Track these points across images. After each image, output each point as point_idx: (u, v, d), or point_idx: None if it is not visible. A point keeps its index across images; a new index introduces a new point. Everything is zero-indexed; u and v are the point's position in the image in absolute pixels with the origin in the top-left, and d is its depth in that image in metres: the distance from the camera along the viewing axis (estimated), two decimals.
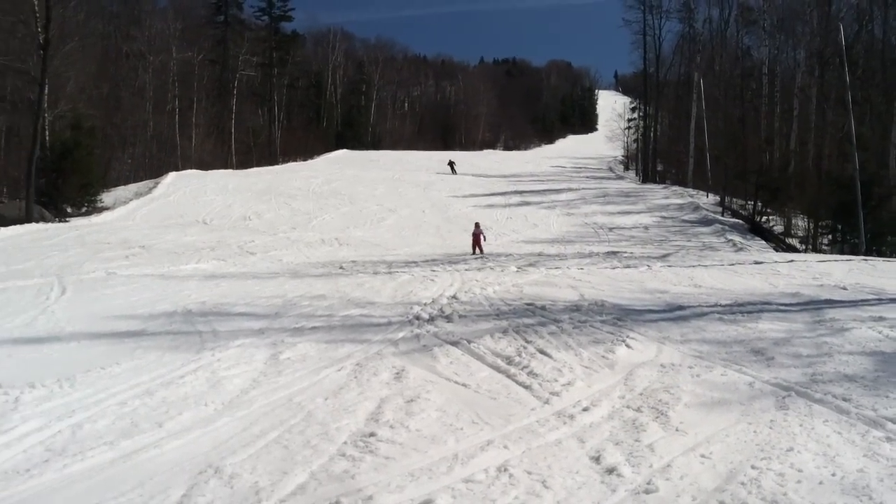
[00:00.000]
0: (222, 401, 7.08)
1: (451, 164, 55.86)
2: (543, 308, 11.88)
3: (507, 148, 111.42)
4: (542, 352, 8.86)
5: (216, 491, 4.98)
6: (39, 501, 4.90)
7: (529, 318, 11.12)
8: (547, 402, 7.01)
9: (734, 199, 39.59)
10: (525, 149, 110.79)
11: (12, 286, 14.53)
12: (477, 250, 22.78)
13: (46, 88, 34.72)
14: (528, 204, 37.88)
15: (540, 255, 21.94)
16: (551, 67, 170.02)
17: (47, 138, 37.36)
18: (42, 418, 6.45)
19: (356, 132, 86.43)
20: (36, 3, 36.05)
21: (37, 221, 29.80)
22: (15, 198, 36.08)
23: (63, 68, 39.88)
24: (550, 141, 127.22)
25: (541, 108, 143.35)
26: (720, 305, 11.92)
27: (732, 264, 18.48)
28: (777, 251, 27.88)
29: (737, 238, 29.77)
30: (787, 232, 36.61)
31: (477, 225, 24.18)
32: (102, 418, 6.49)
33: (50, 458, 5.61)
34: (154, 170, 48.40)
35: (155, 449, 5.83)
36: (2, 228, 26.77)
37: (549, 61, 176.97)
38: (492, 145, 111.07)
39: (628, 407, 6.87)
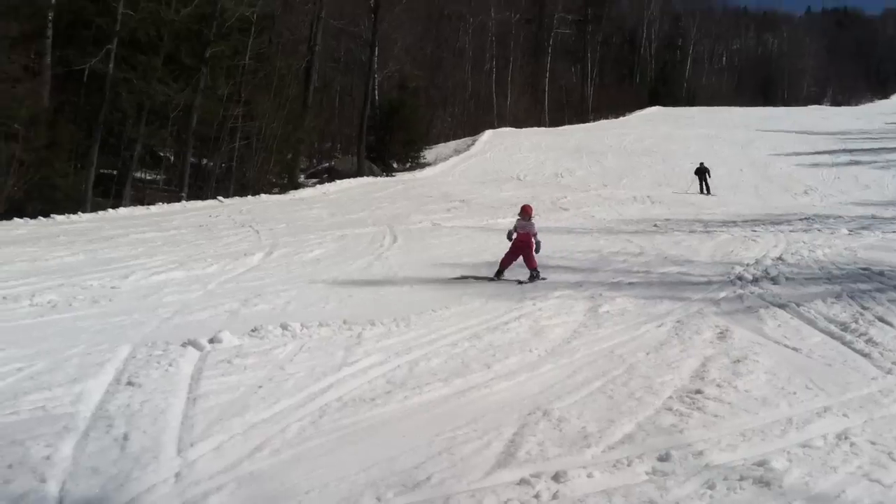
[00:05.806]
0: (545, 348, 7.28)
1: (701, 172, 29.55)
2: (881, 273, 11.06)
3: (835, 103, 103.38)
4: (881, 319, 8.27)
5: (546, 432, 5.11)
6: (385, 428, 5.28)
7: (865, 283, 10.40)
8: (889, 371, 6.53)
9: None
10: (855, 104, 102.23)
11: (350, 234, 15.85)
12: (506, 269, 11.39)
13: (377, 50, 37.24)
14: (858, 163, 34.87)
15: (873, 217, 20.33)
16: (888, 16, 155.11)
17: (377, 98, 40.18)
18: (382, 353, 6.95)
19: (670, 88, 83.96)
20: None
21: (367, 175, 32.18)
22: (347, 153, 39.31)
23: (391, 31, 42.59)
24: (885, 96, 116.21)
25: (875, 60, 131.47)
26: None
27: None
28: None
29: None
30: None
31: (524, 210, 11.95)
32: (436, 357, 6.90)
33: (392, 389, 6.02)
34: (471, 128, 50.45)
35: (485, 388, 6.10)
36: (337, 181, 29.30)
37: (885, 9, 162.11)
38: (817, 100, 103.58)
39: None
